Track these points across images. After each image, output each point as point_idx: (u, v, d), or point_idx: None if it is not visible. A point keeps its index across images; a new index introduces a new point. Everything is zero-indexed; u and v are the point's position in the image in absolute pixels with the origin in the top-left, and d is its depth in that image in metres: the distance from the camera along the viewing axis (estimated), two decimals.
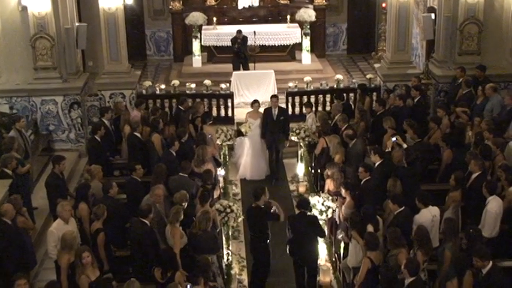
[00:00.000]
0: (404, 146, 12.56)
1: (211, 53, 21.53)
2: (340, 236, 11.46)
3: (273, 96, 15.15)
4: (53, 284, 8.85)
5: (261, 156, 15.18)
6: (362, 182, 11.47)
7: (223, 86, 17.60)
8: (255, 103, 15.13)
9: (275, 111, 14.80)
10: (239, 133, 15.11)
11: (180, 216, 10.26)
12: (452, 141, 12.71)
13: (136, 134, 13.59)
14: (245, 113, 15.51)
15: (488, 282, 8.87)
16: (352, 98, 17.07)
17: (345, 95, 16.47)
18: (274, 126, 14.80)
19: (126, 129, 14.07)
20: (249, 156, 15.22)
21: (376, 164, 11.98)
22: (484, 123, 12.95)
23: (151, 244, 10.17)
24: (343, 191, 11.23)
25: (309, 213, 10.80)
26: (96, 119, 16.04)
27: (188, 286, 8.85)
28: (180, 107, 15.43)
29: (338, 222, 11.48)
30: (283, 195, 14.32)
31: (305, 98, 17.07)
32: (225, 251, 11.70)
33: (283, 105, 17.09)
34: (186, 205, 10.82)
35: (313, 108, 16.16)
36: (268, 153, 15.09)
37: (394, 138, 12.62)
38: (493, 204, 10.48)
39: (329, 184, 12.15)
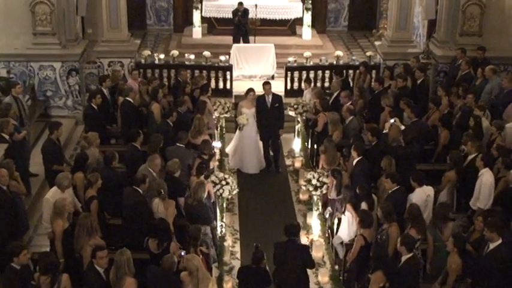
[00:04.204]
0: (402, 127, 12.53)
1: (212, 25, 21.38)
2: (327, 215, 11.54)
3: (266, 83, 14.10)
4: (45, 255, 8.79)
5: (255, 148, 14.27)
6: (354, 163, 11.45)
7: (222, 58, 17.49)
8: (250, 92, 14.11)
9: (269, 99, 13.87)
10: (237, 126, 14.34)
11: None
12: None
13: (128, 99, 13.57)
14: (243, 86, 15.36)
15: (493, 257, 8.88)
16: (352, 75, 17.00)
17: (344, 71, 16.41)
18: (269, 114, 13.87)
19: (120, 99, 14.02)
20: (242, 149, 14.31)
21: (372, 144, 12.02)
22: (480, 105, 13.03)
23: (144, 213, 10.17)
24: (330, 178, 11.26)
25: (299, 242, 9.63)
26: (94, 87, 16.03)
27: (182, 253, 8.92)
28: (179, 78, 15.41)
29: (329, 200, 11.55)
30: (278, 172, 14.40)
31: (304, 74, 17.00)
32: (218, 223, 11.74)
33: (282, 80, 17.13)
34: (179, 174, 10.85)
35: (312, 84, 16.11)
36: (263, 144, 14.21)
37: (392, 120, 12.57)
38: (487, 176, 10.60)
39: (322, 160, 12.18)
